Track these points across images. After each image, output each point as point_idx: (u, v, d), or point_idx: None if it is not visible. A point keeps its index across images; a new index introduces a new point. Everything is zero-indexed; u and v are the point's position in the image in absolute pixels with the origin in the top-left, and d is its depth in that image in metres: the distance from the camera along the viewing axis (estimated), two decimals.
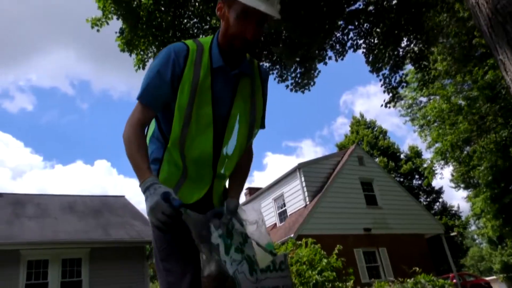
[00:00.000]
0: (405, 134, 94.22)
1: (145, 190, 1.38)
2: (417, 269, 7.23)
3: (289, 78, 8.19)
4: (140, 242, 12.01)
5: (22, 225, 11.77)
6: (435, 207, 33.41)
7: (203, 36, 7.14)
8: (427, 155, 52.18)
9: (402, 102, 18.36)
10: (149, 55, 7.34)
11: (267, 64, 8.02)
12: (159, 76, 1.48)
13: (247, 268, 1.40)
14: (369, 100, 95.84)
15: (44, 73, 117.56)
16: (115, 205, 14.89)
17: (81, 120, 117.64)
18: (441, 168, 19.00)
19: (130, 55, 7.23)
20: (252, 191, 21.79)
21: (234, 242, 1.45)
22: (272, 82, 9.07)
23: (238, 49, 1.49)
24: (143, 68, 7.45)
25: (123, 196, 16.22)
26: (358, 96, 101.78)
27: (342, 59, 8.25)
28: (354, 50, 8.49)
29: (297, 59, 7.52)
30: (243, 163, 1.72)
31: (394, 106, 8.97)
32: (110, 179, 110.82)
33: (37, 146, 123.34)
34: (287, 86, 8.35)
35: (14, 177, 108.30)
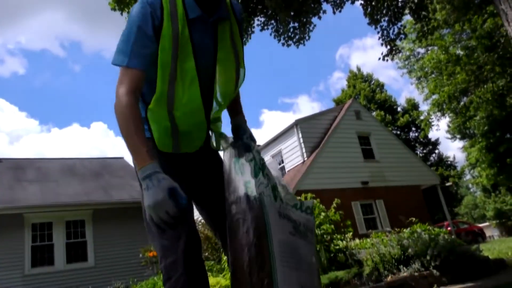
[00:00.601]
0: (401, 87, 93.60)
1: (144, 178, 1.27)
2: (414, 219, 7.41)
3: (284, 32, 7.99)
4: (140, 203, 12.18)
5: (24, 189, 11.89)
6: (431, 158, 33.83)
7: None
8: (424, 107, 52.19)
9: (400, 54, 18.07)
10: None
11: (262, 19, 7.80)
12: (142, 33, 1.36)
13: (271, 193, 1.46)
14: (366, 53, 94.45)
15: (33, 35, 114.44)
16: (114, 166, 14.99)
17: (74, 82, 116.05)
18: (438, 120, 19.08)
19: (122, 13, 6.98)
20: None
21: (262, 168, 1.52)
22: (268, 37, 8.84)
23: None
24: None
25: (122, 158, 16.30)
26: (354, 49, 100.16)
27: (340, 11, 7.99)
28: (352, 2, 8.20)
29: (291, 13, 7.30)
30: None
31: (392, 59, 8.81)
32: (107, 141, 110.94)
33: (32, 110, 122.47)
34: (279, 40, 8.14)
35: (12, 142, 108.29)
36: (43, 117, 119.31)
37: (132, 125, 1.32)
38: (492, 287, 3.57)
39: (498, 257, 6.38)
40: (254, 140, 1.63)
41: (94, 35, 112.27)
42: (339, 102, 32.69)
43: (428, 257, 5.24)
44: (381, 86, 35.19)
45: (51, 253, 11.01)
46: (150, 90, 1.44)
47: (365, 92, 33.77)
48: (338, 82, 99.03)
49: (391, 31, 8.43)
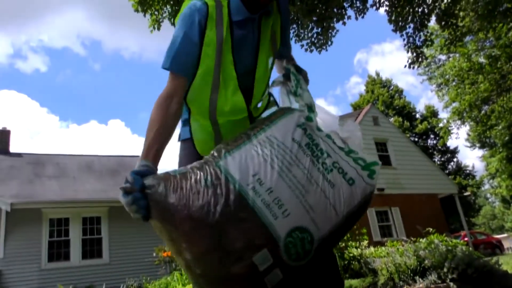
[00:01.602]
0: (420, 93, 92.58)
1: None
2: (431, 229, 7.29)
3: (306, 38, 7.93)
4: None
5: (43, 185, 12.12)
6: (450, 167, 33.28)
7: None
8: (444, 114, 51.41)
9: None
10: (164, 15, 7.11)
11: None
12: (187, 40, 1.38)
13: (306, 111, 1.40)
14: (384, 59, 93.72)
15: (56, 33, 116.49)
16: (131, 164, 15.15)
17: (93, 80, 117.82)
18: (458, 128, 18.76)
19: (144, 15, 7.04)
20: None
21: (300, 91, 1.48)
22: None
23: (263, 3, 1.42)
24: (158, 29, 7.20)
25: (138, 156, 16.46)
26: (372, 54, 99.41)
27: (362, 17, 7.85)
28: (377, 8, 8.07)
29: (314, 18, 7.25)
30: None
31: (418, 67, 8.62)
32: (124, 138, 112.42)
33: (52, 106, 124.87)
34: (302, 46, 8.07)
35: (32, 136, 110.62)
36: (63, 113, 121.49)
37: (151, 124, 1.30)
38: None
39: None
40: (297, 68, 1.56)
41: (114, 35, 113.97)
42: (356, 107, 32.45)
43: (445, 269, 5.15)
44: (400, 92, 34.81)
45: (67, 248, 11.20)
46: (194, 96, 1.46)
47: (384, 98, 33.44)
48: (355, 87, 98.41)
49: (417, 38, 8.27)
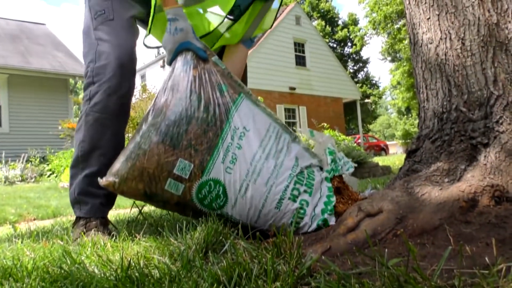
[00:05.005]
0: (347, 1, 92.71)
1: (168, 20, 1.36)
2: (325, 124, 8.08)
3: None
4: (63, 74, 11.69)
5: None
6: (359, 75, 35.35)
7: None
8: (364, 23, 52.74)
9: None
10: None
11: None
12: None
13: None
14: None
15: None
16: (35, 32, 13.87)
17: None
18: (370, 38, 19.65)
19: None
20: None
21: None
22: None
23: None
24: None
25: (44, 24, 15.04)
26: None
27: None
28: None
29: None
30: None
31: None
32: (27, 2, 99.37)
33: None
34: None
35: None
36: None
37: None
38: (370, 180, 4.25)
39: (387, 164, 7.35)
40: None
41: None
42: (284, 4, 31.92)
43: None
44: None
45: None
46: None
47: None
48: None
49: None
